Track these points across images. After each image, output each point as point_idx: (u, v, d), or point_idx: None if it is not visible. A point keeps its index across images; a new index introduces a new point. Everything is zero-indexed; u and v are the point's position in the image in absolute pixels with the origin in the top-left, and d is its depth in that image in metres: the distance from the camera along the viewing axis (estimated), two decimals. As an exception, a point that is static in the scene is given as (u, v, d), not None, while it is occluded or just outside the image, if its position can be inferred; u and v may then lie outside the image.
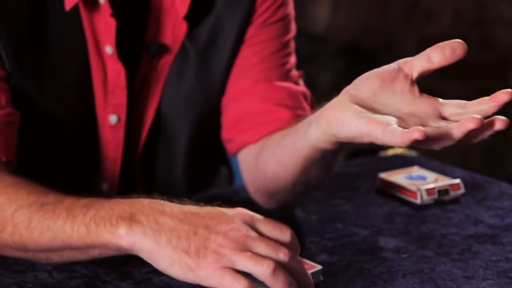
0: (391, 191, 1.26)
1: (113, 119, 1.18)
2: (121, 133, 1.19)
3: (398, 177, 1.28)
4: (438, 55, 0.92)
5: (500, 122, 0.89)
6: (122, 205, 0.94)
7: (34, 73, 1.12)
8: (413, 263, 1.04)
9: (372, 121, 0.89)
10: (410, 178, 1.27)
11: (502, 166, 3.27)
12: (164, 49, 1.19)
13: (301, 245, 1.05)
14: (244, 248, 0.89)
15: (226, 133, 1.25)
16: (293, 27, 1.27)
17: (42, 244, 0.98)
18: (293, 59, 1.26)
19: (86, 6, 1.13)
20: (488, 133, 0.90)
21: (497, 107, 0.91)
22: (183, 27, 1.19)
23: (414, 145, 0.87)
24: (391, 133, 0.87)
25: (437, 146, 0.90)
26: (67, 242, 0.96)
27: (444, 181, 1.26)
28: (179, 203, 0.95)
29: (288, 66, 1.25)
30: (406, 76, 0.94)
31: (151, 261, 0.91)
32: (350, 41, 2.98)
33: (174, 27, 1.19)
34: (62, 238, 0.96)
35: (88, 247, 0.95)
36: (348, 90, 0.95)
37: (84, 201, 0.98)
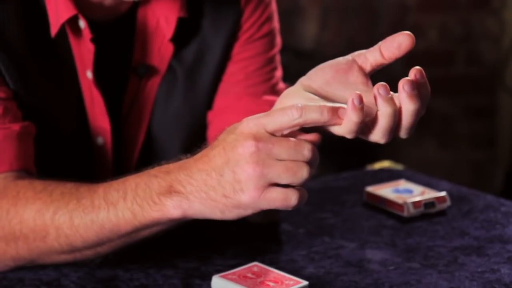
0: (378, 204, 1.27)
1: (99, 141, 1.19)
2: (108, 155, 1.20)
3: (384, 190, 1.29)
4: (387, 49, 0.94)
5: (414, 71, 0.91)
6: (155, 179, 0.94)
7: (35, 92, 1.13)
8: (399, 275, 1.05)
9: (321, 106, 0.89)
10: (397, 191, 1.28)
11: (490, 181, 3.29)
12: (151, 70, 1.20)
13: (289, 259, 1.06)
14: (271, 161, 0.87)
15: None
16: (278, 41, 1.28)
17: (90, 239, 0.99)
18: (278, 73, 1.28)
19: (72, 31, 1.14)
20: (424, 89, 0.91)
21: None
22: (169, 48, 1.20)
23: (361, 115, 0.87)
24: (330, 110, 0.87)
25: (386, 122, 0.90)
26: (115, 230, 0.97)
27: (430, 194, 1.27)
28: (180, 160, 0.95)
29: (273, 80, 1.26)
30: (359, 68, 0.95)
31: (206, 218, 0.92)
32: (338, 57, 2.99)
33: (160, 49, 1.20)
34: (110, 228, 0.97)
35: (137, 230, 0.97)
36: (302, 80, 0.96)
37: (117, 184, 0.98)
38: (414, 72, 0.91)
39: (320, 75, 0.95)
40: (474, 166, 3.28)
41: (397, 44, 0.93)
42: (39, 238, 1.01)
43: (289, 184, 0.88)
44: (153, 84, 1.21)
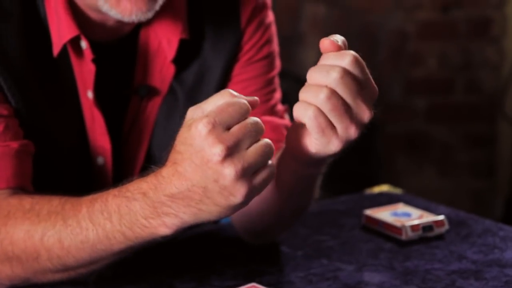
0: (376, 227, 1.27)
1: (99, 160, 1.19)
2: (108, 174, 1.20)
3: (383, 213, 1.29)
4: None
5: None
6: (136, 203, 0.94)
7: (36, 111, 1.13)
8: (397, 298, 1.05)
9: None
10: (395, 214, 1.29)
11: (489, 210, 3.29)
12: (152, 91, 1.21)
13: (287, 280, 1.06)
14: (243, 153, 0.89)
15: None
16: (278, 63, 1.29)
17: (82, 259, 0.99)
18: (278, 95, 1.28)
19: (74, 51, 1.15)
20: None
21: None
22: (170, 69, 1.21)
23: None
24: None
25: None
26: (108, 250, 0.97)
27: (428, 218, 1.27)
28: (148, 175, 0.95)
29: (272, 102, 1.27)
30: None
31: (203, 222, 0.93)
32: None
33: (161, 70, 1.21)
34: (102, 248, 0.97)
35: (130, 247, 0.97)
36: None
37: (99, 204, 0.97)
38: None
39: None
40: (474, 194, 3.28)
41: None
42: (32, 259, 1.01)
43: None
44: (154, 105, 1.21)
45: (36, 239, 1.00)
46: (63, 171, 1.18)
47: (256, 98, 0.94)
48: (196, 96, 1.23)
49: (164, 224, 0.93)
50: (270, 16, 1.28)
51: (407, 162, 3.19)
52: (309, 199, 1.13)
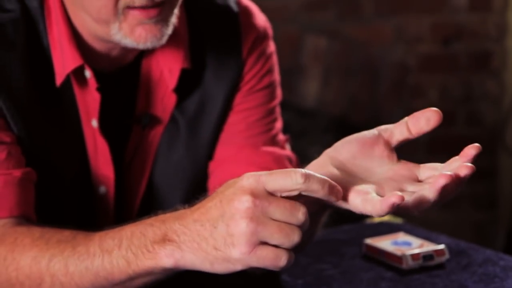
0: (377, 256, 1.27)
1: (102, 189, 1.20)
2: (110, 204, 1.20)
3: (383, 242, 1.29)
4: (414, 125, 0.95)
5: (465, 168, 0.91)
6: (150, 228, 0.94)
7: (38, 140, 1.14)
8: (397, 326, 1.05)
9: (351, 190, 0.91)
10: (396, 243, 1.29)
11: (491, 242, 3.28)
12: (154, 120, 1.21)
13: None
14: (265, 219, 0.87)
15: None
16: (279, 93, 1.29)
17: (84, 287, 0.98)
18: (279, 124, 1.29)
19: (77, 80, 1.16)
20: (459, 186, 0.91)
21: (467, 162, 0.92)
22: (172, 99, 1.21)
23: (393, 211, 0.88)
24: (370, 202, 0.89)
25: (416, 210, 0.91)
26: (109, 278, 0.97)
27: (429, 247, 1.27)
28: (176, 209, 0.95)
29: (273, 131, 1.27)
30: (385, 142, 0.97)
31: (197, 269, 0.92)
32: (340, 116, 3.02)
33: (163, 99, 1.21)
34: (104, 276, 0.97)
35: (131, 278, 0.96)
36: (328, 152, 0.97)
37: (113, 232, 0.98)
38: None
39: (346, 148, 0.97)
40: (475, 226, 3.28)
41: (425, 119, 0.95)
42: (35, 285, 1.01)
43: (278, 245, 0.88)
44: (156, 134, 1.22)
45: (43, 264, 1.00)
46: (65, 200, 1.18)
47: (339, 188, 0.90)
48: (198, 125, 1.23)
49: (165, 252, 0.92)
50: (272, 46, 1.29)
51: (409, 194, 3.19)
52: (311, 237, 1.12)
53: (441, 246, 1.27)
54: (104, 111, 1.17)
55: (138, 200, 1.23)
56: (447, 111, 3.20)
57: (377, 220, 1.49)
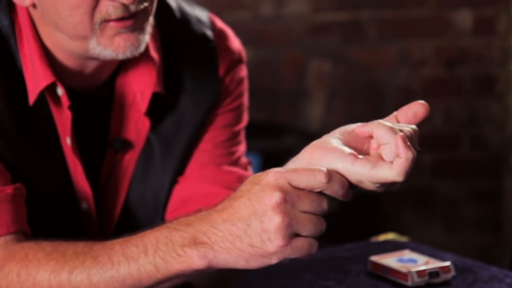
0: (382, 273, 1.27)
1: (84, 205, 1.20)
2: (93, 219, 1.20)
3: (389, 259, 1.28)
4: (402, 119, 0.98)
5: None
6: (176, 232, 0.95)
7: (20, 158, 1.14)
8: None
9: (359, 159, 0.92)
10: (401, 260, 1.28)
11: (496, 265, 3.26)
12: (127, 144, 1.21)
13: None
14: (296, 212, 0.90)
15: (170, 214, 1.25)
16: (246, 117, 1.30)
17: None
18: (242, 148, 1.30)
19: (51, 98, 1.16)
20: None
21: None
22: (146, 123, 1.21)
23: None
24: (385, 163, 0.92)
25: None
26: (136, 285, 0.97)
27: (435, 264, 1.26)
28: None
29: (237, 154, 1.28)
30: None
31: (231, 267, 0.93)
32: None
33: (137, 123, 1.21)
34: (131, 283, 0.97)
35: (160, 283, 0.97)
36: (328, 135, 0.98)
37: (135, 240, 0.98)
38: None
39: (345, 131, 0.98)
40: (480, 250, 3.27)
41: (413, 113, 0.97)
42: None
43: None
44: (131, 159, 1.22)
45: (63, 277, 1.00)
46: (50, 215, 1.18)
47: (345, 183, 0.93)
48: (173, 146, 1.23)
49: (198, 255, 0.93)
50: (244, 71, 1.30)
51: (414, 218, 3.18)
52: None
53: (447, 263, 1.26)
54: (78, 130, 1.17)
55: (115, 218, 1.23)
56: (452, 134, 3.20)
57: (382, 238, 1.48)
